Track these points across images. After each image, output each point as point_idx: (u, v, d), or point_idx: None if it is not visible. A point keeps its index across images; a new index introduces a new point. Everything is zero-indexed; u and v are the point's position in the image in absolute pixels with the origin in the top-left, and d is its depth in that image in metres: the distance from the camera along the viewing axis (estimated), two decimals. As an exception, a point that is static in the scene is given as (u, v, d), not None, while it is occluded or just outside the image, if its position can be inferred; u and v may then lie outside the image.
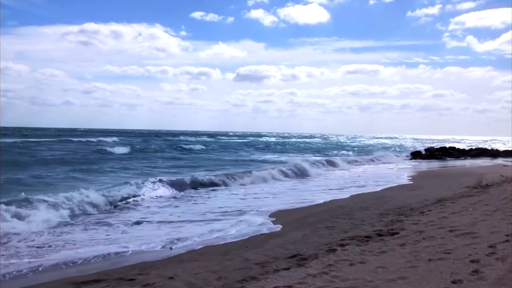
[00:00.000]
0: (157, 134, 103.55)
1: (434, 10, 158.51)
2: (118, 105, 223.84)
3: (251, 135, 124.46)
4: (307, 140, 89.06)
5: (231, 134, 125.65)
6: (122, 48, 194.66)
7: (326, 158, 32.13)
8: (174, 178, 16.45)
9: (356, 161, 31.31)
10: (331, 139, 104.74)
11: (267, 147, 55.09)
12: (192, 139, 75.74)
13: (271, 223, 9.85)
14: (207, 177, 17.33)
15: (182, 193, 14.94)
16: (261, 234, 8.67)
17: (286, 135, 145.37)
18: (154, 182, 15.41)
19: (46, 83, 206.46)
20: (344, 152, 47.08)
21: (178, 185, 15.65)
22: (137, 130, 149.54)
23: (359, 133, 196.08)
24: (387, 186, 16.53)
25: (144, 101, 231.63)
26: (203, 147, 48.22)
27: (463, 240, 6.67)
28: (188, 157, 33.23)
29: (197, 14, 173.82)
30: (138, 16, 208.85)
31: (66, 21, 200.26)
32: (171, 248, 7.81)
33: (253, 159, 32.73)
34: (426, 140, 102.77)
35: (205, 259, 6.76)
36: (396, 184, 17.31)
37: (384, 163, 32.41)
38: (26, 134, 72.15)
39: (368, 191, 15.17)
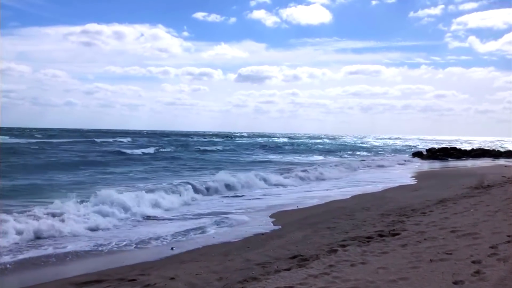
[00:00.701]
0: (162, 134, 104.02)
1: (436, 10, 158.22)
2: (120, 105, 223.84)
3: (260, 135, 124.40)
4: (316, 141, 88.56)
5: (240, 134, 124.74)
6: (124, 49, 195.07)
7: (355, 159, 32.46)
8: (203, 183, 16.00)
9: (377, 163, 30.73)
10: (339, 140, 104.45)
11: (279, 148, 55.19)
12: (203, 139, 76.24)
13: (271, 223, 9.86)
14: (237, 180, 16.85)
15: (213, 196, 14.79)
16: (262, 234, 8.66)
17: (291, 135, 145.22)
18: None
19: (48, 84, 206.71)
20: (359, 153, 47.06)
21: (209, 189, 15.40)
22: (139, 130, 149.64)
23: (361, 133, 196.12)
24: (389, 186, 16.52)
25: (145, 101, 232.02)
26: (219, 148, 48.28)
27: (464, 240, 6.65)
28: (212, 158, 33.34)
29: (200, 15, 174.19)
30: (141, 17, 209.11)
31: (68, 22, 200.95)
32: (172, 248, 7.81)
33: (274, 160, 32.75)
34: (432, 140, 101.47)
35: (206, 260, 6.75)
36: (397, 184, 17.30)
37: (405, 163, 32.55)
38: (33, 135, 70.96)
39: (370, 192, 15.17)
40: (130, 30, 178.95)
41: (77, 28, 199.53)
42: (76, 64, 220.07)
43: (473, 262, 5.48)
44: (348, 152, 48.73)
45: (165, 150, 41.10)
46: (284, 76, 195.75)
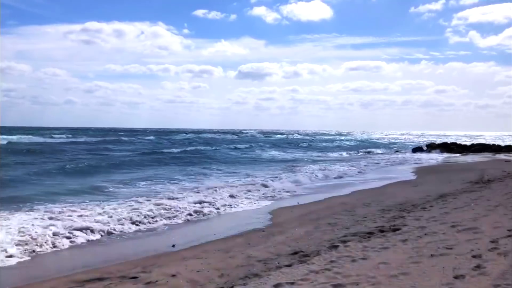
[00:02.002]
0: (170, 132, 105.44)
1: (437, 5, 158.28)
2: (120, 103, 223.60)
3: (270, 132, 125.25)
4: (329, 137, 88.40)
5: (248, 132, 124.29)
6: (124, 47, 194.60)
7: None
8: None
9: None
10: (350, 136, 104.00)
11: (300, 144, 55.56)
12: (218, 136, 77.95)
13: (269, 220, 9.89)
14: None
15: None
16: (263, 231, 8.68)
17: (296, 132, 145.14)
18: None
19: (48, 82, 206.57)
20: (384, 150, 46.71)
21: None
22: (143, 128, 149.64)
23: (361, 129, 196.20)
24: (388, 182, 16.55)
25: (145, 99, 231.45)
26: (247, 145, 48.52)
27: (465, 235, 6.67)
28: (256, 156, 34.19)
29: (200, 12, 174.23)
30: (141, 15, 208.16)
31: (68, 20, 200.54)
32: (173, 245, 7.83)
33: (320, 159, 32.45)
34: (439, 136, 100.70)
35: (208, 257, 6.76)
36: (397, 180, 17.33)
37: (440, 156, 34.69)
38: (50, 134, 69.38)
39: (370, 187, 15.19)
40: (130, 28, 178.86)
41: (77, 27, 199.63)
42: (76, 62, 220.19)
43: (474, 256, 5.50)
44: (379, 148, 48.68)
45: (202, 148, 40.91)
46: (284, 72, 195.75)
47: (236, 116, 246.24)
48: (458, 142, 47.66)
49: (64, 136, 66.65)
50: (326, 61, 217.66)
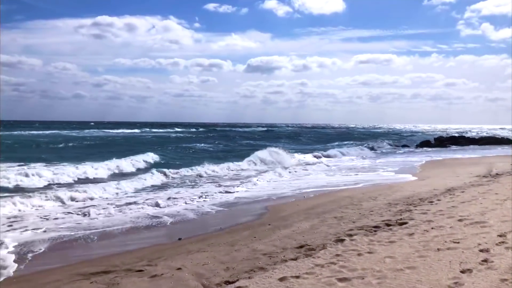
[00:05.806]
0: (194, 125, 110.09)
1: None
2: (128, 97, 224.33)
3: (298, 126, 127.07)
4: (356, 130, 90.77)
5: (284, 126, 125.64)
6: (135, 41, 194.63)
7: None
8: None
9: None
10: (378, 129, 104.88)
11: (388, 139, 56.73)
12: (277, 129, 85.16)
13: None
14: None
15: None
16: (269, 224, 8.67)
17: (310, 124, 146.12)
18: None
19: (58, 77, 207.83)
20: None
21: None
22: (163, 122, 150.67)
23: (371, 123, 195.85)
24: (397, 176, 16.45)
25: (154, 93, 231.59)
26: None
27: (472, 229, 6.62)
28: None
29: (211, 6, 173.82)
30: (153, 9, 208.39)
31: (79, 15, 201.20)
32: (179, 239, 7.85)
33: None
34: (458, 129, 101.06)
35: (213, 250, 6.77)
36: (404, 174, 17.24)
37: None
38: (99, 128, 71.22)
39: (377, 181, 15.13)
40: (142, 22, 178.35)
41: (88, 21, 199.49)
42: (85, 56, 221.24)
43: (481, 250, 5.46)
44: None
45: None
46: (293, 66, 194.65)
47: (243, 110, 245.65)
48: (454, 135, 47.72)
49: (113, 131, 66.36)
50: (335, 54, 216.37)
